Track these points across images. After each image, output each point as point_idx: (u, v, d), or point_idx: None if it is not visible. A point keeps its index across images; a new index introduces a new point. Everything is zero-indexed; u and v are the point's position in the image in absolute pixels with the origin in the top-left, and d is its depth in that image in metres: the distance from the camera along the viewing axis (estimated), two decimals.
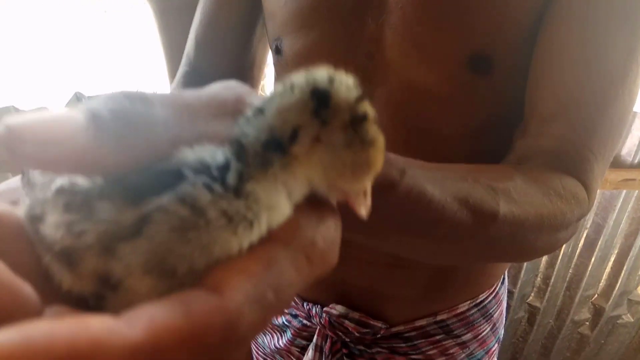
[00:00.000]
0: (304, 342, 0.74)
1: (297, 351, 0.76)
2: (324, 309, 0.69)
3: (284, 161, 0.19)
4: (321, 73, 0.21)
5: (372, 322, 0.67)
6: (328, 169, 0.21)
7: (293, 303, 0.74)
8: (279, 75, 0.66)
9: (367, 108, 0.21)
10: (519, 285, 1.49)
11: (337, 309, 0.68)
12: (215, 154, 0.19)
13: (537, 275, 1.48)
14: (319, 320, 0.70)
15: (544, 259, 1.44)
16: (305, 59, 0.60)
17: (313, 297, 0.72)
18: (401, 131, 0.57)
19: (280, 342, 0.78)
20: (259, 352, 0.86)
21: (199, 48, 0.72)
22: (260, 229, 0.19)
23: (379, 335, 0.68)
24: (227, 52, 0.72)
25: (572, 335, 1.57)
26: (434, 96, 0.54)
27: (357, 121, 0.21)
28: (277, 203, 0.19)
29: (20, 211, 0.20)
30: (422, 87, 0.54)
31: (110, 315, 0.15)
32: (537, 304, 1.52)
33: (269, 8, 0.63)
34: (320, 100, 0.20)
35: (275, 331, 0.79)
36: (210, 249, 0.17)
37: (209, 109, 0.21)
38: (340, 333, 0.68)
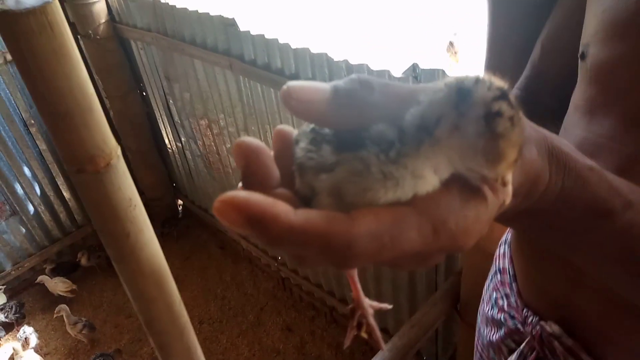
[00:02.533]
0: (513, 345, 0.75)
1: (506, 351, 0.78)
2: (541, 322, 0.69)
3: (430, 142, 0.27)
4: (472, 76, 0.27)
5: (583, 357, 0.63)
6: (463, 152, 0.27)
7: (514, 304, 0.76)
8: (580, 78, 0.65)
9: (504, 107, 0.26)
10: None
11: (552, 328, 0.66)
12: (388, 132, 0.28)
13: None
14: (531, 330, 0.70)
15: None
16: (607, 69, 0.58)
17: (535, 307, 0.71)
18: None
19: (495, 337, 0.81)
20: (479, 342, 0.91)
21: (545, 54, 0.77)
22: (404, 189, 0.27)
23: None
24: (573, 58, 0.74)
25: None
26: None
27: (490, 116, 0.26)
28: (422, 173, 0.27)
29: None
30: None
31: (293, 208, 0.26)
32: None
33: (587, 14, 0.63)
34: (461, 95, 0.26)
35: (494, 325, 0.82)
36: (365, 192, 0.27)
37: (412, 98, 0.30)
38: (547, 351, 0.67)
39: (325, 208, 0.28)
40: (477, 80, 0.27)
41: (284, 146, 0.33)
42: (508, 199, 0.29)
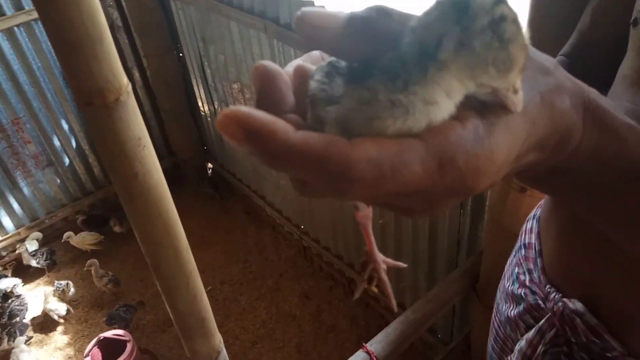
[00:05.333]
0: (531, 321, 0.73)
1: (524, 327, 0.75)
2: (564, 299, 0.66)
3: (437, 66, 0.25)
4: None
5: (606, 337, 0.60)
6: (474, 68, 0.25)
7: (537, 280, 0.73)
8: (630, 46, 0.61)
9: (505, 10, 0.24)
10: None
11: (576, 305, 0.64)
12: (396, 63, 0.26)
13: None
14: (553, 306, 0.67)
15: None
16: None
17: (559, 284, 0.69)
18: None
19: (512, 312, 0.79)
20: (496, 318, 0.88)
21: (596, 23, 0.73)
22: (415, 117, 0.25)
23: (609, 355, 0.61)
24: (626, 27, 0.70)
25: None
26: None
27: (494, 23, 0.24)
28: (434, 99, 0.25)
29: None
30: None
31: (295, 129, 0.25)
32: None
33: None
34: (459, 9, 0.24)
35: (513, 301, 0.79)
36: (372, 121, 0.26)
37: None
38: (567, 329, 0.65)
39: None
40: None
41: (302, 82, 0.32)
42: (520, 106, 0.27)
